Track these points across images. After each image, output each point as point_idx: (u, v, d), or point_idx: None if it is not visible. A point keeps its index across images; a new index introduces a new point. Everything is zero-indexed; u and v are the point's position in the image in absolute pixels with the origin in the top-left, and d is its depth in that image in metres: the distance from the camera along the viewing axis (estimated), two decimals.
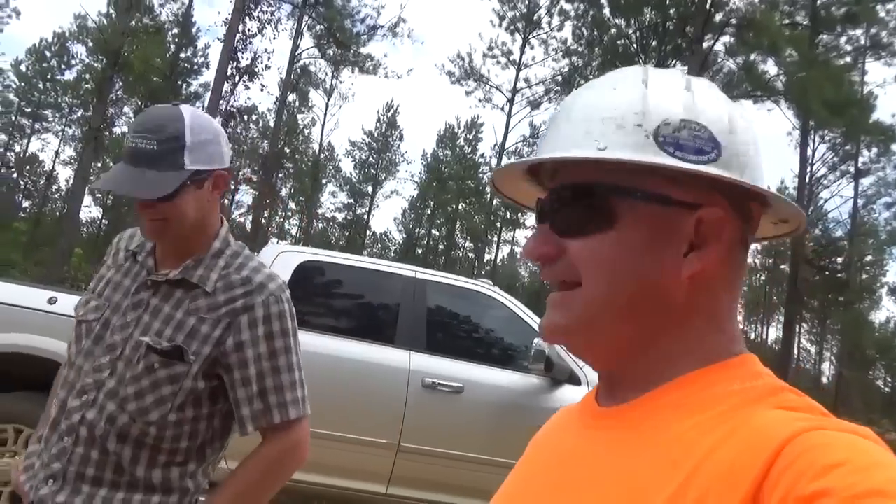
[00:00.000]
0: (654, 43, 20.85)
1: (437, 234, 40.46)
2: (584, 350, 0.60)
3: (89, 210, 38.51)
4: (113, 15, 27.29)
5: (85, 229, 37.77)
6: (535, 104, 27.23)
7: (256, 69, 18.84)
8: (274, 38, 27.74)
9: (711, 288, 0.56)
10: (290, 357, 1.34)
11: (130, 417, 1.25)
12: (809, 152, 22.21)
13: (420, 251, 38.61)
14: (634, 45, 20.88)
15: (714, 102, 0.57)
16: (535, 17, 26.44)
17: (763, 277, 39.31)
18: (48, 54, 36.66)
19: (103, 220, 38.43)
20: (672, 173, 0.54)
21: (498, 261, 36.93)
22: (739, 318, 0.60)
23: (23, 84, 36.37)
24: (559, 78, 25.20)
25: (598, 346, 0.59)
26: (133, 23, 23.26)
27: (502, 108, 28.24)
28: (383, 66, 26.44)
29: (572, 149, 0.56)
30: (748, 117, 0.59)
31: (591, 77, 25.16)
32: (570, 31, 24.19)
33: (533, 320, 4.16)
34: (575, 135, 0.57)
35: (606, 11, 20.91)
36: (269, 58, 21.17)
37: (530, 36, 26.82)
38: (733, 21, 17.55)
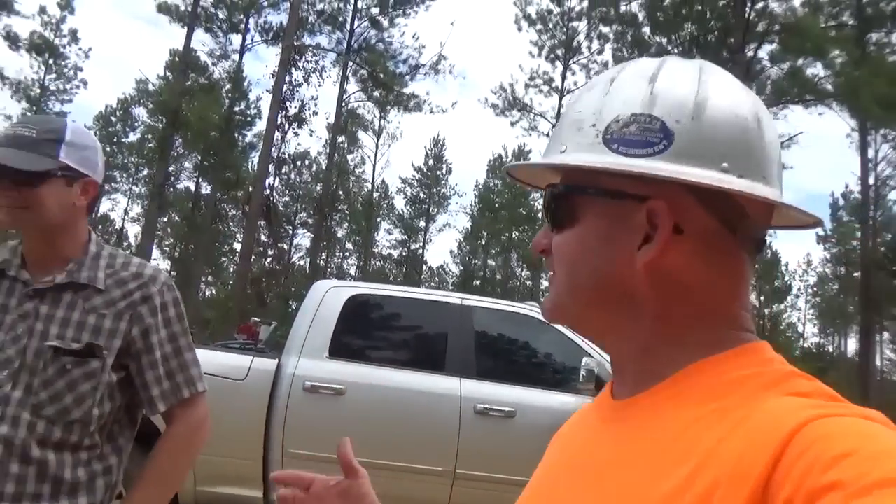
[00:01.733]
0: (697, 57, 20.61)
1: (493, 263, 40.46)
2: (576, 329, 0.64)
3: (158, 263, 40.06)
4: (170, 77, 28.86)
5: None
6: None
7: (304, 116, 19.57)
8: (320, 86, 28.86)
9: (682, 278, 0.56)
10: (187, 338, 1.47)
11: (49, 421, 1.28)
12: (871, 153, 21.37)
13: (477, 282, 38.62)
14: None
15: (679, 90, 0.55)
16: (575, 44, 26.55)
17: (836, 286, 37.61)
18: (113, 119, 38.86)
19: (172, 272, 40.02)
20: (629, 172, 0.54)
21: None
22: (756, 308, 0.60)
23: None
24: None
25: (580, 328, 0.63)
26: (189, 82, 24.52)
27: (548, 135, 28.26)
28: (428, 102, 27.00)
29: (548, 153, 0.60)
30: (736, 101, 0.56)
31: None
32: (610, 54, 24.16)
33: (581, 340, 4.15)
34: (553, 138, 0.61)
35: (646, 30, 20.85)
36: (315, 104, 21.91)
37: (571, 62, 26.91)
38: (775, 28, 17.24)
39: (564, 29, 26.69)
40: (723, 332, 0.56)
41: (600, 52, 25.12)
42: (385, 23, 25.94)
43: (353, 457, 0.82)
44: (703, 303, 0.56)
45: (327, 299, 4.15)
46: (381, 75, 24.50)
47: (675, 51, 19.62)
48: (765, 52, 18.56)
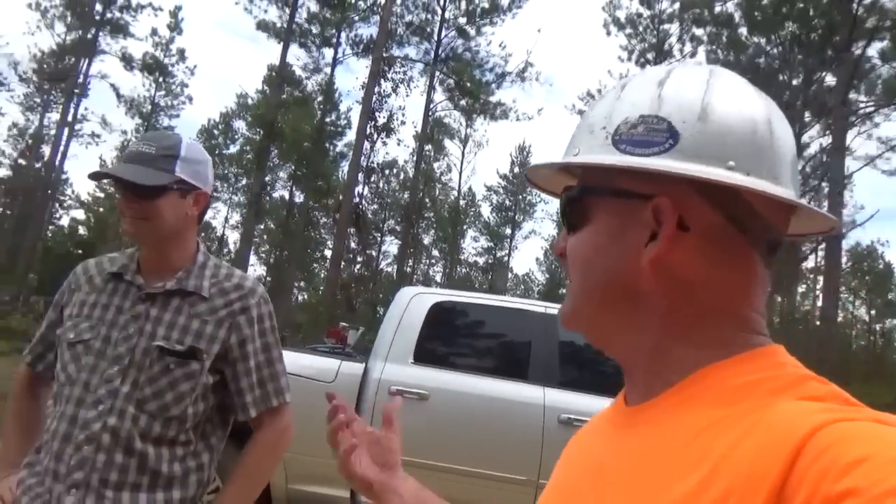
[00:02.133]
0: (798, 57, 19.59)
1: None
2: (589, 338, 0.64)
3: (254, 269, 42.06)
4: (267, 91, 30.23)
5: None
6: None
7: (392, 126, 20.00)
8: (407, 96, 29.41)
9: (687, 275, 0.56)
10: (278, 349, 1.56)
11: (151, 416, 1.38)
12: None
13: (563, 290, 38.07)
14: (776, 62, 19.73)
15: (686, 92, 0.57)
16: (666, 47, 25.83)
17: None
18: (216, 132, 41.05)
19: (267, 278, 41.78)
20: (632, 168, 0.56)
21: None
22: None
23: None
24: None
25: (593, 332, 0.63)
26: (284, 96, 25.60)
27: None
28: (514, 109, 27.00)
29: (563, 156, 0.63)
30: (745, 103, 0.56)
31: None
32: (703, 56, 23.34)
33: None
34: (569, 143, 0.63)
35: (743, 31, 20.01)
36: (403, 114, 22.35)
37: None
38: (886, 24, 16.11)
39: (655, 32, 26.03)
40: (731, 333, 0.56)
41: (693, 54, 24.32)
42: (472, 32, 26.19)
43: (396, 415, 0.87)
44: (710, 301, 0.56)
45: (412, 306, 4.23)
46: (468, 84, 24.70)
47: (775, 51, 18.70)
48: (874, 49, 17.41)
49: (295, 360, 4.31)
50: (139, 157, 1.42)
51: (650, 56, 26.06)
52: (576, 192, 0.62)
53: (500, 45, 33.87)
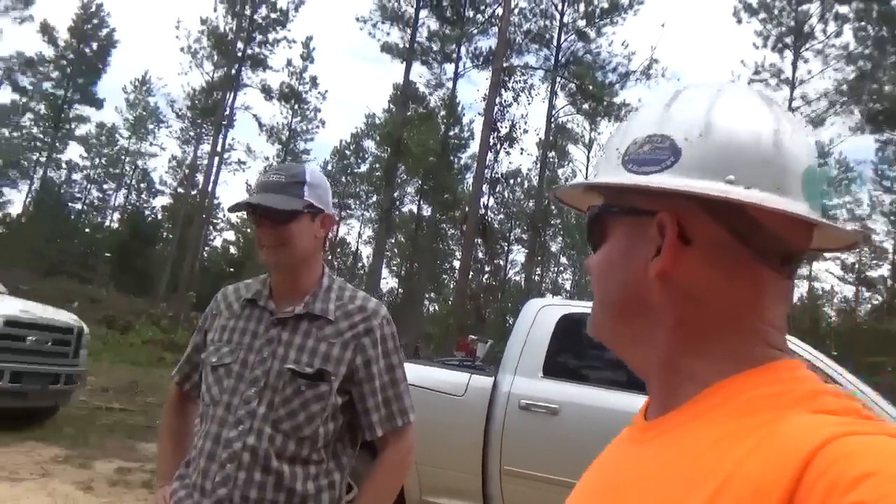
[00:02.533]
0: None
1: None
2: (613, 350, 0.65)
3: (386, 282, 43.59)
4: (393, 109, 31.34)
5: (385, 298, 42.77)
6: (817, 121, 24.38)
7: (515, 135, 20.04)
8: (529, 104, 29.31)
9: (693, 288, 0.57)
10: (402, 369, 1.59)
11: (285, 435, 1.44)
12: None
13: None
14: None
15: (691, 109, 0.58)
16: (806, 29, 23.94)
17: None
18: (347, 152, 43.20)
19: (398, 290, 43.17)
20: (634, 187, 0.58)
21: (796, 300, 32.95)
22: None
23: (330, 181, 43.00)
24: (844, 88, 22.32)
25: (614, 344, 0.64)
26: (409, 113, 26.42)
27: None
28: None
29: (589, 178, 0.66)
30: (749, 117, 0.57)
31: (884, 80, 21.82)
32: (850, 35, 21.42)
33: (820, 361, 3.72)
34: (593, 167, 0.67)
35: None
36: (525, 122, 22.35)
37: (802, 49, 24.30)
38: None
39: (792, 14, 24.21)
40: (744, 346, 0.56)
41: (838, 34, 22.39)
42: (592, 34, 25.71)
43: None
44: (717, 314, 0.57)
45: (539, 318, 4.21)
46: (590, 87, 24.25)
47: None
48: None
49: (427, 374, 4.42)
50: (271, 186, 1.51)
51: (788, 41, 24.28)
52: (595, 211, 0.65)
53: (622, 44, 33.10)
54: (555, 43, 25.62)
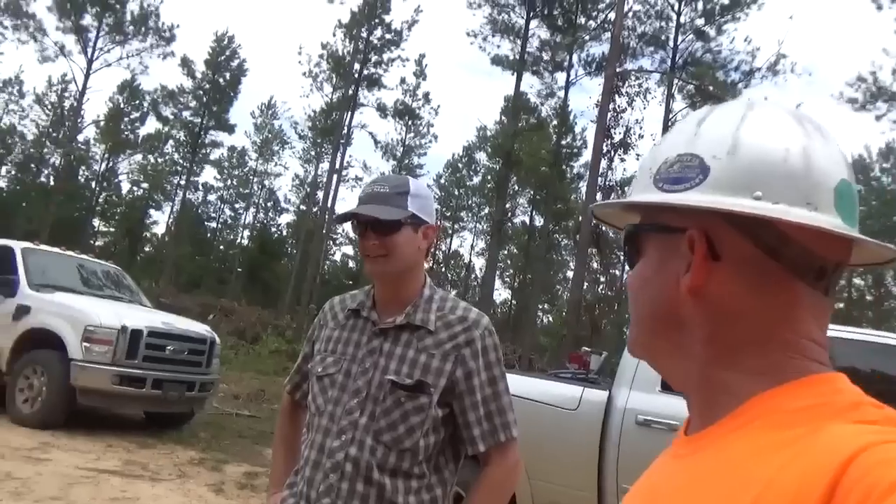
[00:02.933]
0: None
1: (861, 282, 34.61)
2: (651, 366, 0.66)
3: (499, 293, 43.61)
4: (504, 121, 31.43)
5: (498, 310, 42.80)
6: None
7: (629, 141, 19.45)
8: (644, 108, 28.33)
9: (725, 303, 0.57)
10: (504, 382, 1.55)
11: (386, 447, 1.43)
12: None
13: (840, 304, 33.44)
14: None
15: (719, 128, 0.59)
16: None
17: None
18: (460, 165, 43.75)
19: (512, 301, 43.03)
20: (662, 205, 0.60)
21: None
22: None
23: (443, 193, 43.95)
24: None
25: (652, 360, 0.65)
26: (520, 124, 26.38)
27: None
28: None
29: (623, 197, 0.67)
30: (777, 132, 0.57)
31: None
32: None
33: None
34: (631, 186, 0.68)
35: None
36: (640, 127, 21.60)
37: None
38: None
39: None
40: (782, 359, 0.56)
41: None
42: (712, 32, 24.54)
43: None
44: (751, 328, 0.57)
45: None
46: (710, 87, 23.11)
47: None
48: None
49: (538, 387, 4.34)
50: (375, 197, 1.52)
51: None
52: (629, 229, 0.66)
53: (745, 41, 31.23)
54: (671, 44, 24.71)
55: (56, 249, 8.36)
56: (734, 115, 0.60)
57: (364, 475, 1.44)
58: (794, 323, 0.56)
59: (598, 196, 18.95)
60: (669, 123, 24.10)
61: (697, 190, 0.58)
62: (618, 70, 19.56)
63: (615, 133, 19.26)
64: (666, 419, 3.72)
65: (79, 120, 33.56)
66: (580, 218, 20.28)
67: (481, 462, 1.54)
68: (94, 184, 41.50)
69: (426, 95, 36.63)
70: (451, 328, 1.53)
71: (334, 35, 33.97)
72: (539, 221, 32.57)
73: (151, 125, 39.12)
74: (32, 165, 39.80)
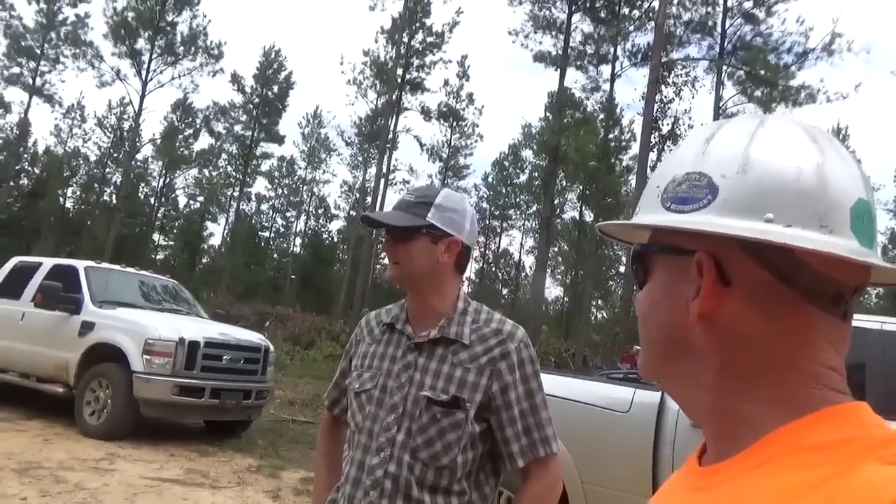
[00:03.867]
0: None
1: None
2: (663, 387, 0.64)
3: (550, 291, 43.20)
4: (549, 117, 31.16)
5: (550, 307, 42.43)
6: None
7: (678, 132, 18.99)
8: (693, 97, 27.56)
9: (737, 329, 0.55)
10: (542, 395, 1.51)
11: (424, 464, 1.41)
12: None
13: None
14: None
15: (729, 146, 0.56)
16: None
17: None
18: (506, 164, 43.57)
19: (564, 299, 42.59)
20: (668, 227, 0.58)
21: None
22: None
23: (490, 192, 43.86)
24: None
25: (664, 383, 0.63)
26: (566, 119, 26.08)
27: None
28: (822, 90, 23.57)
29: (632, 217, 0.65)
30: (790, 152, 0.54)
31: None
32: None
33: None
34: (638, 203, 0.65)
35: None
36: (689, 117, 21.07)
37: None
38: None
39: None
40: (800, 389, 0.53)
41: None
42: (761, 15, 23.72)
43: None
44: (764, 355, 0.54)
45: None
46: (762, 72, 22.38)
47: None
48: None
49: (588, 389, 4.27)
50: (400, 204, 1.55)
51: None
52: (637, 249, 0.64)
53: (797, 21, 30.07)
54: (718, 30, 24.00)
55: (117, 267, 8.72)
56: (744, 132, 0.57)
57: (403, 492, 1.42)
58: (811, 350, 0.54)
59: None
60: (720, 112, 23.45)
61: (706, 211, 0.55)
62: (663, 60, 19.14)
63: (663, 124, 18.86)
64: None
65: (137, 139, 34.87)
66: (630, 212, 19.91)
67: (522, 478, 1.51)
68: (153, 199, 43.10)
69: (470, 96, 36.70)
70: (485, 341, 1.50)
71: (376, 42, 34.49)
72: (589, 217, 32.15)
73: (205, 140, 40.33)
74: (96, 185, 41.51)
